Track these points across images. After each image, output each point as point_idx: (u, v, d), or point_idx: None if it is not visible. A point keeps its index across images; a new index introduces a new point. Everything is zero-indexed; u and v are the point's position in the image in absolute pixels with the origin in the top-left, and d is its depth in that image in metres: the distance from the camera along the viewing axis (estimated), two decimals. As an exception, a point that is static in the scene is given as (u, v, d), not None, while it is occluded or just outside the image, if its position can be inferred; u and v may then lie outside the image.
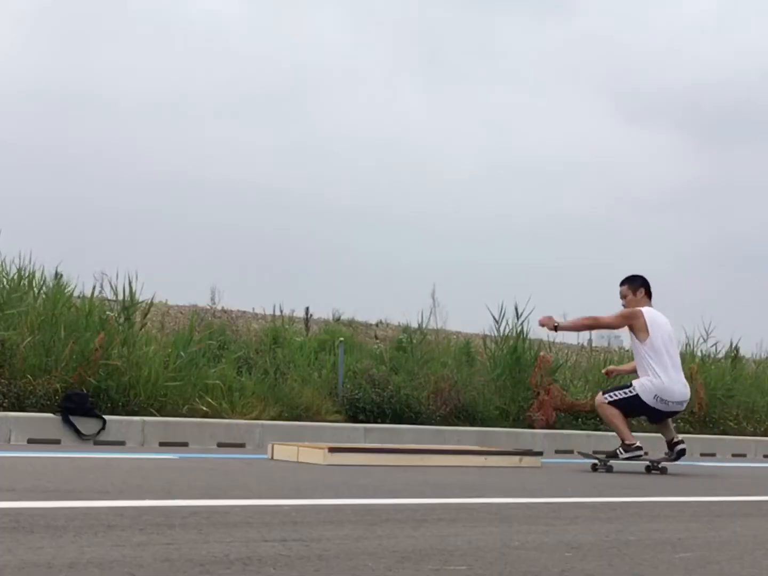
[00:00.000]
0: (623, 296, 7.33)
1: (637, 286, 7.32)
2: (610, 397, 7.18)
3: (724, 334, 15.67)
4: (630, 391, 7.11)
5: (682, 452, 7.28)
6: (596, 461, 7.17)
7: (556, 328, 7.32)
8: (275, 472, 5.75)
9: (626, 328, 7.36)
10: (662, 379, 7.01)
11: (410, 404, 9.68)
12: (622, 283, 7.36)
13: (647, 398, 7.04)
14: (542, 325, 7.38)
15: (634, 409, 7.20)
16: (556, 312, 15.71)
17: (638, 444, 7.14)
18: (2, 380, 7.86)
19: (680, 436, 7.47)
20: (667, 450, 7.38)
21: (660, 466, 7.23)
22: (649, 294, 7.37)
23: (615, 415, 7.15)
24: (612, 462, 7.13)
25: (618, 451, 7.15)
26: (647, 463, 7.30)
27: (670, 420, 7.45)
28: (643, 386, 7.07)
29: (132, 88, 30.51)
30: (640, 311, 7.16)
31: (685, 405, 7.31)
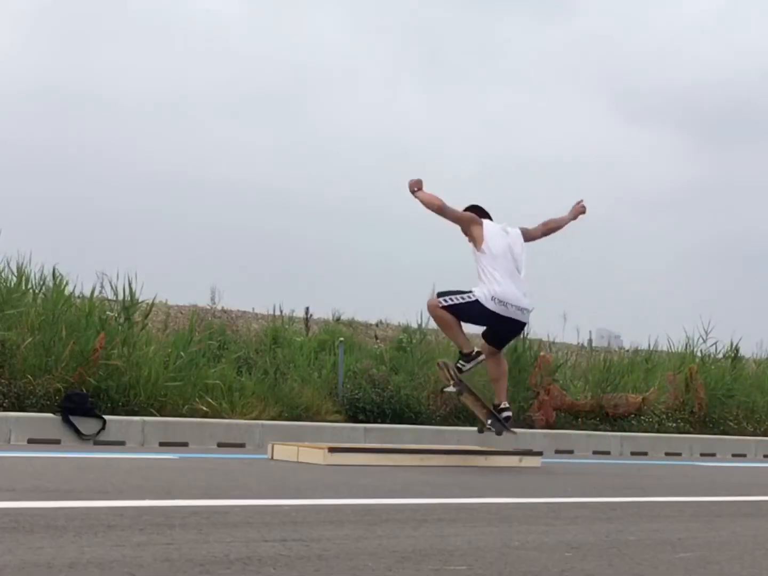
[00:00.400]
0: (464, 231, 7.11)
1: None
2: (446, 301, 6.80)
3: (724, 334, 15.66)
4: (470, 297, 6.81)
5: (508, 419, 7.01)
6: (451, 383, 6.90)
7: (414, 192, 6.97)
8: (275, 472, 5.75)
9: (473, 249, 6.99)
10: (501, 285, 6.75)
11: (410, 404, 9.68)
12: None
13: (486, 302, 6.74)
14: (410, 184, 7.01)
15: (471, 315, 6.91)
16: (556, 312, 15.70)
17: (477, 350, 6.90)
18: (2, 380, 7.86)
19: (507, 403, 7.07)
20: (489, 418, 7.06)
21: (492, 428, 6.98)
22: (484, 217, 7.14)
23: (450, 323, 6.84)
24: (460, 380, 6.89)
25: (460, 364, 6.91)
26: (484, 424, 7.03)
27: (502, 378, 7.12)
28: (482, 291, 6.79)
29: (132, 88, 30.53)
30: (481, 221, 6.98)
31: (527, 316, 6.95)
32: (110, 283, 9.34)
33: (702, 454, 10.90)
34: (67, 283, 9.11)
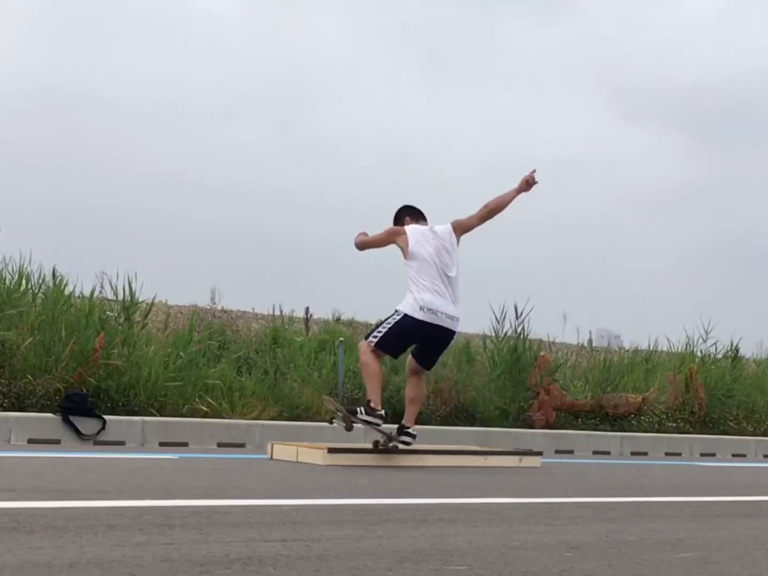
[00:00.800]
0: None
1: (402, 220, 7.03)
2: (375, 337, 6.59)
3: (724, 334, 15.69)
4: (396, 315, 6.64)
5: (407, 443, 6.77)
6: (342, 415, 6.68)
7: (356, 246, 7.01)
8: (275, 472, 5.75)
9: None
10: (429, 291, 6.60)
11: (410, 404, 9.68)
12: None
13: (416, 313, 6.56)
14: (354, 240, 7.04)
15: (404, 334, 6.65)
16: (556, 312, 15.71)
17: (382, 413, 6.60)
18: (2, 380, 7.87)
19: (415, 429, 6.84)
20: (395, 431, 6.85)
21: (390, 445, 6.78)
22: (417, 217, 7.04)
23: (372, 373, 6.62)
24: (354, 421, 6.62)
25: (360, 409, 6.58)
26: (377, 439, 6.81)
27: (417, 402, 6.92)
28: (407, 304, 6.63)
29: (132, 88, 30.59)
30: (404, 229, 6.86)
31: (456, 324, 6.74)
32: (110, 283, 9.36)
33: (702, 454, 10.90)
34: (67, 283, 9.12)
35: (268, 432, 8.32)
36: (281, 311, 13.81)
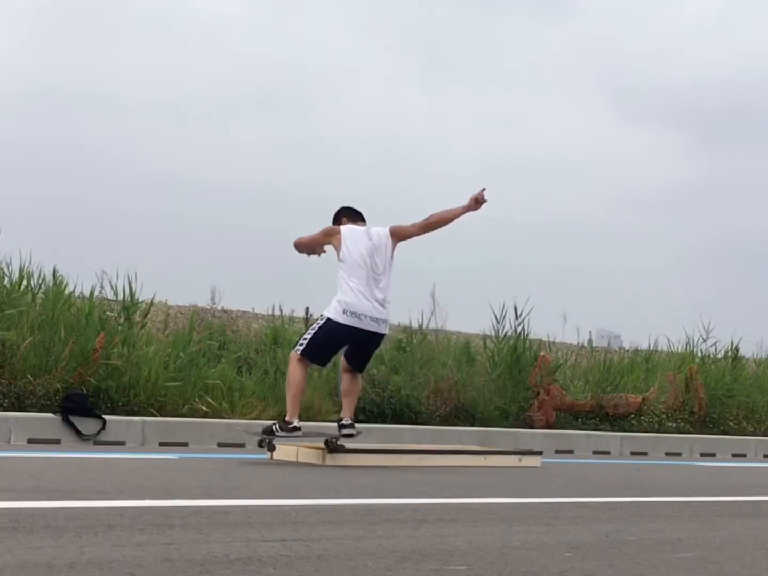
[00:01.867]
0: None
1: (339, 221, 6.97)
2: (302, 345, 6.54)
3: (724, 334, 15.69)
4: (321, 320, 6.63)
5: (349, 436, 6.64)
6: (261, 438, 6.68)
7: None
8: (275, 472, 5.76)
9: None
10: (354, 293, 6.54)
11: (410, 404, 9.68)
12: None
13: (339, 317, 6.51)
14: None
15: (329, 338, 6.54)
16: (556, 312, 15.70)
17: (297, 425, 6.44)
18: (2, 380, 7.87)
19: (351, 420, 6.63)
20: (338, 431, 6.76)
21: (339, 443, 6.67)
22: (355, 218, 6.98)
23: (295, 384, 6.50)
24: (276, 441, 6.59)
25: (275, 427, 6.53)
26: (326, 438, 6.71)
27: (353, 395, 6.79)
28: (331, 308, 6.59)
29: (132, 88, 30.61)
30: (339, 228, 6.81)
31: (384, 327, 6.67)
32: (110, 283, 9.35)
33: (702, 454, 10.90)
34: (67, 283, 9.12)
35: (268, 432, 8.31)
36: (281, 311, 13.78)
